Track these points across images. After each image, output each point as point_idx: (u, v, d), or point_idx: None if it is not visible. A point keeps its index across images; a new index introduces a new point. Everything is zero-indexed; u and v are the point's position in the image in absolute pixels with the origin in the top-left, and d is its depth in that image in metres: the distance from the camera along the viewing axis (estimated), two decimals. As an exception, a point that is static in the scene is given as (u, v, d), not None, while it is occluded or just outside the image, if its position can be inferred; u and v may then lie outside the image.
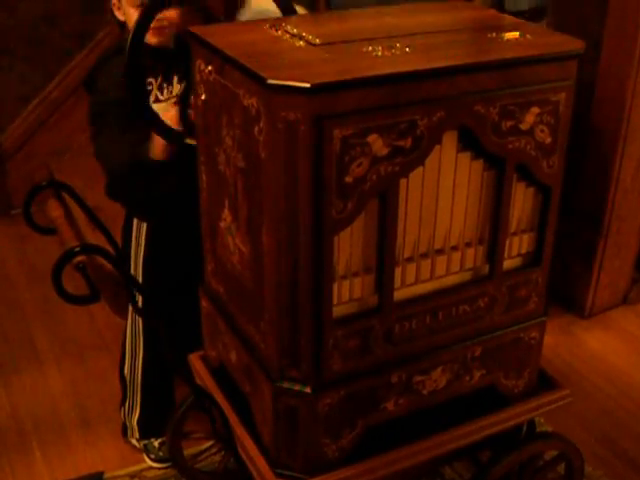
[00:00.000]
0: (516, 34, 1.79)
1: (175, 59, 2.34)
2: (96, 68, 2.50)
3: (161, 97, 2.39)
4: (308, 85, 1.50)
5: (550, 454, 2.32)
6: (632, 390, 3.04)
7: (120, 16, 2.41)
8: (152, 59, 2.32)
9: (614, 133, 3.11)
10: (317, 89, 1.51)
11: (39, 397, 2.99)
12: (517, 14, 2.02)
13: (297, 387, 1.79)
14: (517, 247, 1.94)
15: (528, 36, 1.80)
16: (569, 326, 3.39)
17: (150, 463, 2.70)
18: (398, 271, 1.79)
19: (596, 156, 3.22)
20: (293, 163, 1.58)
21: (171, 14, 2.32)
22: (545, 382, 2.16)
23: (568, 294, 3.44)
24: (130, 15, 2.35)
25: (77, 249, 1.69)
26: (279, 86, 1.52)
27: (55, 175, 4.08)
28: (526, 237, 1.94)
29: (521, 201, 1.89)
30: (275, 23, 1.87)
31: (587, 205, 3.31)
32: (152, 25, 2.13)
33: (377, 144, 1.61)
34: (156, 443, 2.69)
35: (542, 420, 2.74)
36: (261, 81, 1.54)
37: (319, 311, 1.71)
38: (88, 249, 1.72)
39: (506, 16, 1.99)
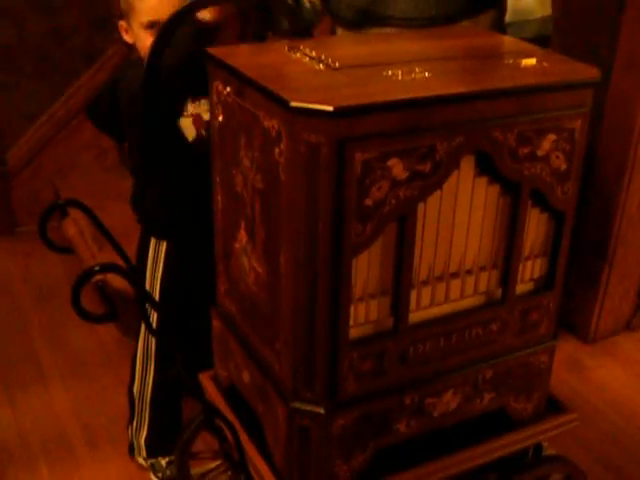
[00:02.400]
0: (533, 61, 1.81)
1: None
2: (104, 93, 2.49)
3: (192, 111, 2.38)
4: (331, 108, 1.51)
5: (556, 478, 2.32)
6: (635, 416, 3.05)
7: (128, 39, 2.39)
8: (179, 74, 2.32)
9: (621, 160, 3.13)
10: (340, 112, 1.52)
11: (45, 415, 2.99)
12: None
13: (311, 408, 1.79)
14: (530, 272, 1.95)
15: (545, 63, 1.81)
16: (572, 351, 3.40)
17: (157, 482, 2.70)
18: (414, 294, 1.80)
19: (602, 182, 3.23)
20: (314, 185, 1.59)
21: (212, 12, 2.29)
22: (552, 406, 2.17)
23: (572, 319, 3.45)
24: (142, 38, 2.33)
25: (97, 268, 1.69)
26: (302, 109, 1.53)
27: (61, 194, 4.09)
28: (539, 262, 1.95)
29: (535, 226, 1.90)
30: (293, 45, 1.89)
31: (592, 231, 3.32)
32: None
33: (397, 168, 1.62)
34: (163, 462, 2.69)
35: (545, 444, 2.73)
36: (284, 103, 1.55)
37: (336, 333, 1.72)
38: (108, 268, 1.72)
39: (523, 42, 2.01)
